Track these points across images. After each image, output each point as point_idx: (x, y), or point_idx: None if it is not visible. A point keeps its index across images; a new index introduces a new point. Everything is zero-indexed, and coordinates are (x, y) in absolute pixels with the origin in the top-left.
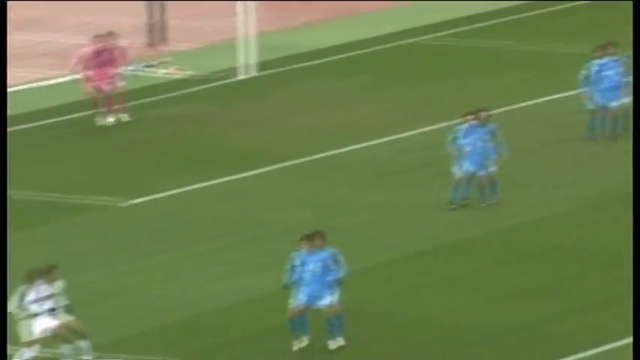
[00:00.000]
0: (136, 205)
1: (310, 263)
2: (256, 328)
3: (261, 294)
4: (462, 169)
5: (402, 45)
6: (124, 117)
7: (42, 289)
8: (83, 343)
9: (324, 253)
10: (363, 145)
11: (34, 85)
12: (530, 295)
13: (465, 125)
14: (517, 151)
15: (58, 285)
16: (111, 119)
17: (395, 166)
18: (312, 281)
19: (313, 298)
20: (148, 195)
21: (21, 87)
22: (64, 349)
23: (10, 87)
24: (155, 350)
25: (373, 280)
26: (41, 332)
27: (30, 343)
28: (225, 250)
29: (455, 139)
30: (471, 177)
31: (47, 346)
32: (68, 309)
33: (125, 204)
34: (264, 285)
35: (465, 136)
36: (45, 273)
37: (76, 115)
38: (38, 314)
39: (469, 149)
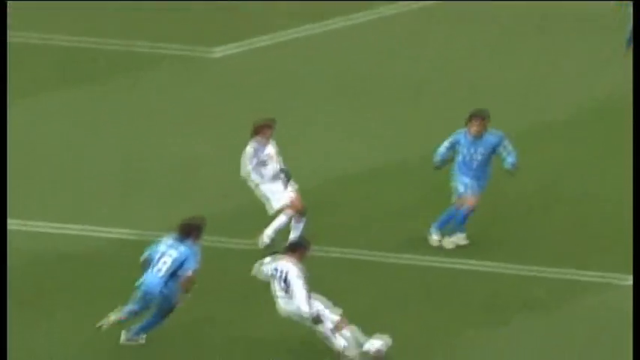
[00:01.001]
0: (229, 56)
1: (473, 148)
2: (392, 207)
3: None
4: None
5: None
6: None
7: (262, 149)
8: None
9: (492, 140)
10: None
11: None
12: None
13: None
14: None
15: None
16: None
17: (555, 14)
18: (472, 170)
19: (467, 188)
20: (240, 42)
21: None
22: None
23: None
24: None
25: (527, 146)
26: (276, 203)
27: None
28: (344, 113)
29: None
30: None
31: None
32: (287, 174)
33: (216, 55)
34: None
35: None
36: (255, 131)
37: None
38: (262, 181)
39: None
